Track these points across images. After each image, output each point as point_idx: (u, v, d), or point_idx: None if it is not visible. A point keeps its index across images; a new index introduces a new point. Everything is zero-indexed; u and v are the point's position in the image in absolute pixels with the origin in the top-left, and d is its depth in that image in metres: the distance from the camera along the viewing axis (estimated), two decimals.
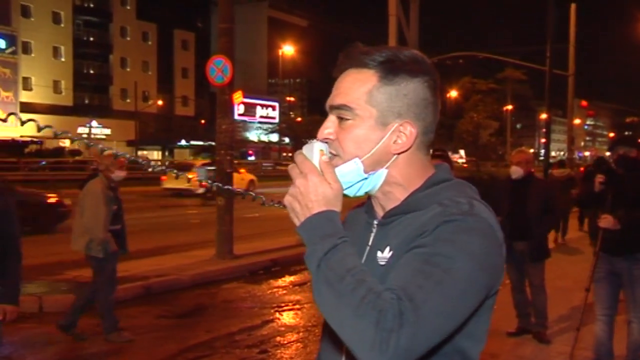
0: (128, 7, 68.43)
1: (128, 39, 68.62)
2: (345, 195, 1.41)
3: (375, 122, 1.44)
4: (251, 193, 1.35)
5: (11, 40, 55.90)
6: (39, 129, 1.13)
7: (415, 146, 1.47)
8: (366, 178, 1.45)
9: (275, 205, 1.45)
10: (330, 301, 1.26)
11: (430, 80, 1.47)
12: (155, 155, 65.74)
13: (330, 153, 1.44)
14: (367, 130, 1.44)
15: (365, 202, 1.60)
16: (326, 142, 1.46)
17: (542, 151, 35.70)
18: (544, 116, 34.96)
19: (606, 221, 5.20)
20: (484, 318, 1.42)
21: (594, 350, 5.59)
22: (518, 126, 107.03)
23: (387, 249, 1.44)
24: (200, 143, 68.05)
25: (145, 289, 9.01)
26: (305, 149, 1.40)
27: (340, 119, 1.46)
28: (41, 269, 9.80)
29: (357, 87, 1.45)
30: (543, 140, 32.84)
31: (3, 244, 4.00)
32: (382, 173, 1.46)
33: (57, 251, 11.57)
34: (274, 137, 74.68)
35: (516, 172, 6.61)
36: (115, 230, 6.77)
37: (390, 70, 1.45)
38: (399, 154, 1.46)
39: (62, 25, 62.14)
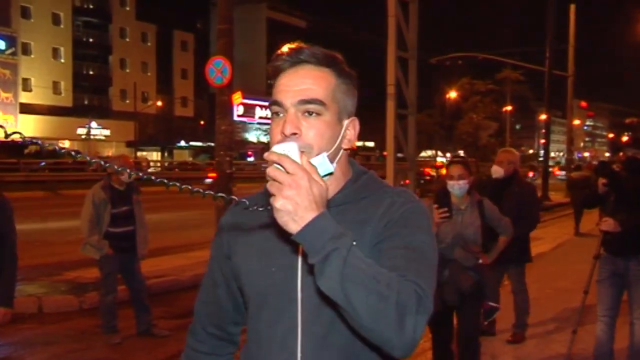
0: (127, 8, 68.44)
1: (127, 40, 68.61)
2: None
3: (337, 119, 1.54)
4: (228, 196, 1.25)
5: (11, 41, 55.90)
6: (25, 142, 1.12)
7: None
8: (332, 172, 1.51)
9: (260, 209, 1.39)
10: (360, 296, 1.27)
11: (357, 85, 1.61)
12: (155, 156, 65.75)
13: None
14: (332, 125, 1.52)
15: (255, 198, 1.61)
16: (290, 137, 1.49)
17: (542, 152, 35.68)
18: (543, 117, 34.95)
19: (607, 224, 5.21)
20: None
21: (594, 350, 5.59)
22: (517, 127, 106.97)
23: None
24: (200, 144, 68.12)
25: None
26: (282, 150, 1.35)
27: (309, 113, 1.50)
28: (41, 270, 9.81)
29: (322, 83, 1.52)
30: (542, 141, 32.81)
31: None
32: (333, 169, 1.53)
33: (57, 252, 11.59)
34: None
35: (496, 171, 6.60)
36: (121, 233, 6.75)
37: (342, 71, 1.56)
38: (345, 149, 1.58)
39: (62, 26, 62.14)
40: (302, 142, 1.47)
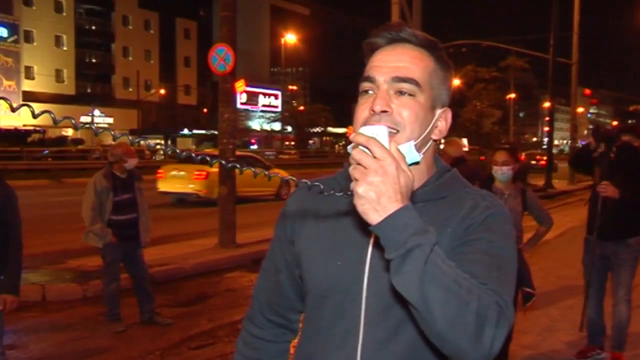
0: None
1: (130, 27, 68.48)
2: None
3: (431, 105, 1.45)
4: (293, 178, 1.20)
5: (13, 29, 55.85)
6: (55, 122, 1.08)
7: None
8: (418, 162, 1.43)
9: (338, 194, 1.29)
10: (439, 299, 1.17)
11: (453, 77, 1.54)
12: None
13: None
14: (425, 110, 1.43)
15: (327, 182, 1.46)
16: (379, 115, 1.40)
17: (546, 139, 35.62)
18: (547, 104, 34.87)
19: (606, 188, 5.33)
20: None
21: (587, 328, 5.87)
22: (521, 115, 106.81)
23: None
24: (203, 132, 68.07)
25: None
26: (370, 132, 1.24)
27: (402, 93, 1.41)
28: (44, 258, 9.82)
29: (420, 64, 1.44)
30: (546, 128, 32.75)
31: (4, 233, 3.98)
32: (419, 158, 1.45)
33: (60, 240, 11.60)
34: (277, 126, 74.60)
35: None
36: (124, 221, 6.73)
37: (442, 58, 1.48)
38: (435, 140, 1.49)
39: (64, 14, 62.04)
40: (395, 119, 1.39)
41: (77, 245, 9.70)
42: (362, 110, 1.42)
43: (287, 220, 1.65)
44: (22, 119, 54.11)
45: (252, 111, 74.18)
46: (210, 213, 13.34)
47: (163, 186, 19.24)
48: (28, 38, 58.50)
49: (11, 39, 55.68)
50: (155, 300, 7.13)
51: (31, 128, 49.71)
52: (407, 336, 1.38)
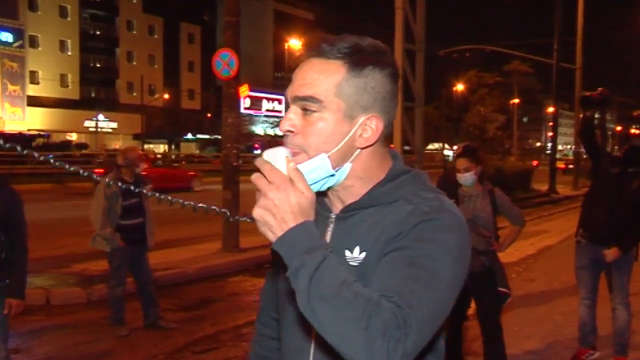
0: (134, 1, 68.44)
1: (134, 32, 68.64)
2: None
3: (343, 116, 1.41)
4: (215, 207, 1.28)
5: (18, 34, 56.01)
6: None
7: (379, 139, 1.45)
8: (333, 175, 1.41)
9: (242, 219, 1.36)
10: (326, 316, 1.20)
11: (394, 72, 1.46)
12: (162, 148, 65.83)
13: (290, 150, 1.37)
14: (335, 124, 1.40)
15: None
16: (287, 135, 1.42)
17: (549, 144, 35.62)
18: (550, 109, 34.94)
19: (607, 255, 5.48)
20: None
21: (579, 329, 5.87)
22: (525, 120, 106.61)
23: (357, 249, 1.42)
24: (207, 137, 68.18)
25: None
26: (268, 156, 1.30)
27: (305, 110, 1.41)
28: (49, 262, 9.83)
29: (324, 78, 1.40)
30: (550, 133, 32.75)
31: (9, 237, 4.00)
32: (347, 167, 1.44)
33: (64, 244, 11.62)
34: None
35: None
36: (131, 225, 6.76)
37: (358, 62, 1.41)
38: (363, 148, 1.44)
39: (69, 19, 62.22)
40: (298, 141, 1.40)
41: (81, 249, 9.73)
42: None
43: None
44: (27, 124, 54.31)
45: (256, 116, 74.17)
46: (213, 217, 13.33)
47: None
48: (33, 43, 58.66)
49: (16, 43, 55.83)
50: (159, 304, 7.14)
51: (35, 132, 49.78)
52: None
